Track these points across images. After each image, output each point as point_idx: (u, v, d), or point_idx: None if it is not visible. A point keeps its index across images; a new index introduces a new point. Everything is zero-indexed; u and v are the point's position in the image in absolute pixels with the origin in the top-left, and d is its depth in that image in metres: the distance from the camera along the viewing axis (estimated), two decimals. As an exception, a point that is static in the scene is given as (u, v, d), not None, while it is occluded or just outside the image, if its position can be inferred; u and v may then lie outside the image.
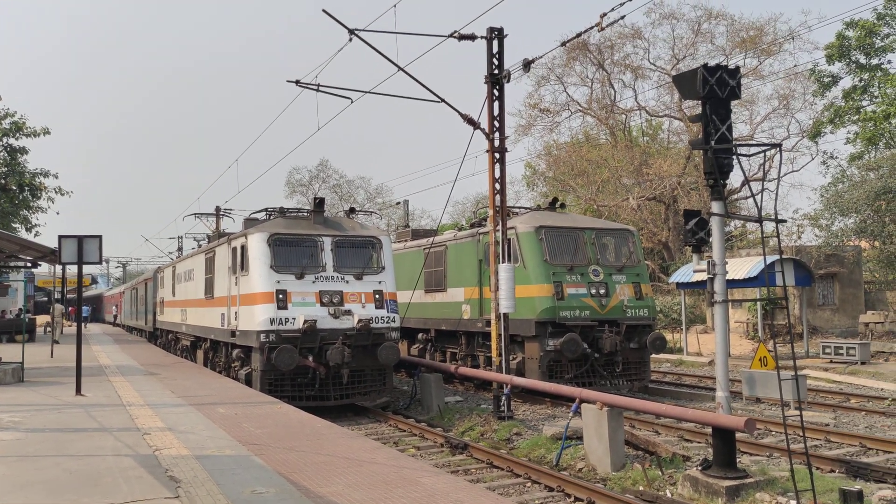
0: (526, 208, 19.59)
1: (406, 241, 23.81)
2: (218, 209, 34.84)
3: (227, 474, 7.00)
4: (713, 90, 9.46)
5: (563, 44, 15.14)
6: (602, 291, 16.61)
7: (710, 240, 9.80)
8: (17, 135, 35.12)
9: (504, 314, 14.92)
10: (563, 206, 19.28)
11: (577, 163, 41.91)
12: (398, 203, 53.63)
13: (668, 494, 9.45)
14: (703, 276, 9.61)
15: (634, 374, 16.94)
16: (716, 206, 9.64)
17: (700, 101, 9.65)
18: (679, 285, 27.19)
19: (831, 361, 22.43)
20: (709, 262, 9.49)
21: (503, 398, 14.54)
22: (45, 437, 9.07)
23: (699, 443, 12.58)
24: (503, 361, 14.93)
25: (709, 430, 12.77)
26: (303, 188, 63.84)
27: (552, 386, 13.29)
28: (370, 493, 6.24)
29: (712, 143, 9.46)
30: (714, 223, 9.61)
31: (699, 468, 9.46)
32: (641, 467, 10.38)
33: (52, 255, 17.46)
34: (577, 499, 9.34)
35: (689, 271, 26.28)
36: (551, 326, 16.11)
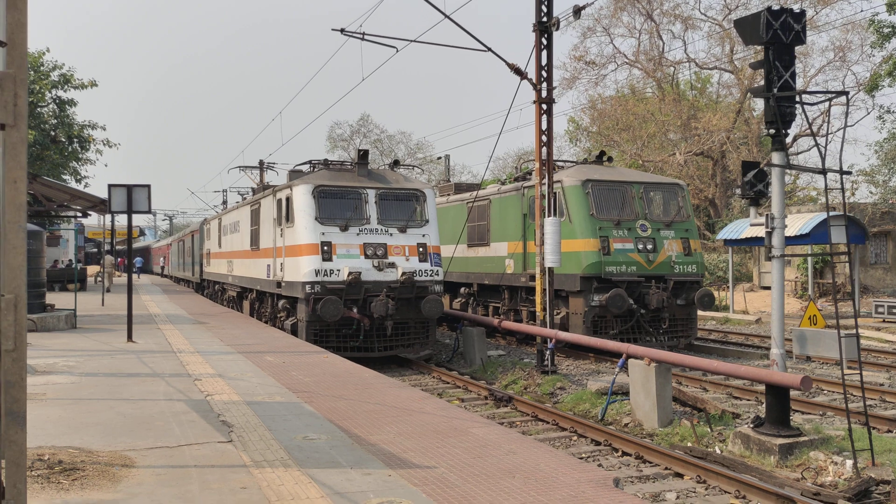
0: (572, 162, 19.24)
1: (448, 195, 23.65)
2: (261, 162, 34.98)
3: (278, 420, 7.05)
4: (777, 35, 9.03)
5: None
6: (649, 247, 16.30)
7: (770, 192, 9.46)
8: (66, 87, 35.56)
9: (549, 269, 14.75)
10: (610, 159, 18.87)
11: (623, 117, 40.99)
12: (439, 158, 53.36)
13: (718, 451, 9.31)
14: (760, 231, 9.30)
15: (681, 331, 16.70)
16: (776, 157, 9.27)
17: (763, 47, 9.24)
18: (727, 242, 26.62)
19: (884, 321, 21.85)
20: (767, 215, 9.17)
21: (547, 353, 14.47)
22: (98, 382, 9.25)
23: (748, 400, 12.37)
24: (547, 316, 14.81)
25: (758, 387, 12.57)
26: (344, 143, 63.90)
27: (598, 341, 13.15)
28: (421, 442, 6.21)
29: (775, 90, 9.07)
30: (774, 175, 9.26)
31: (751, 426, 9.29)
32: (690, 423, 10.23)
33: (102, 205, 17.72)
34: (624, 453, 9.25)
35: (737, 228, 25.71)
36: (597, 282, 15.91)
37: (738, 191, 9.59)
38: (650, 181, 17.50)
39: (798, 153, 39.82)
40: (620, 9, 40.70)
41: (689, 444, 9.71)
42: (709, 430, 10.25)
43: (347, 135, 64.04)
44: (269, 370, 10.32)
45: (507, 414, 11.65)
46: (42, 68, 34.10)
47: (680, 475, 8.42)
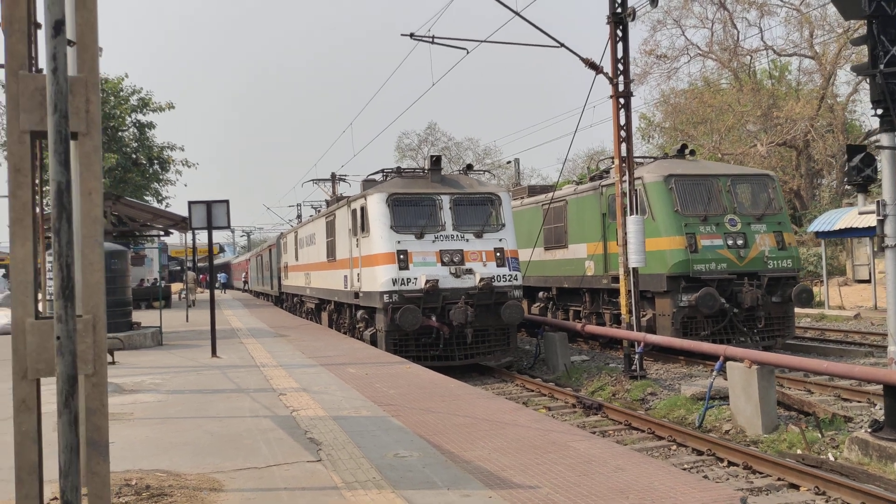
0: (652, 157, 18.53)
1: (522, 198, 23.21)
2: (333, 175, 35.28)
3: (366, 436, 6.78)
4: (881, 7, 8.35)
5: None
6: (740, 242, 15.48)
7: (879, 177, 8.74)
8: (145, 111, 36.73)
9: (633, 269, 14.16)
10: (693, 153, 18.07)
11: (699, 110, 39.63)
12: (508, 162, 52.91)
13: (832, 458, 8.60)
14: (864, 221, 8.59)
15: (777, 331, 15.79)
16: (885, 139, 8.55)
17: (865, 22, 8.55)
18: (818, 234, 25.27)
19: None
20: (879, 202, 8.44)
21: (635, 357, 13.86)
22: (184, 399, 9.21)
23: (859, 402, 11.50)
24: (634, 318, 14.20)
25: (869, 388, 11.69)
26: (412, 152, 64.19)
27: (692, 343, 12.48)
28: (519, 459, 5.83)
29: (881, 66, 8.36)
30: (885, 158, 8.52)
31: (869, 430, 8.55)
32: (799, 429, 9.52)
33: (183, 223, 18.03)
34: (730, 462, 8.64)
35: (830, 219, 24.38)
36: (684, 281, 15.18)
37: (834, 179, 8.89)
38: (737, 173, 16.66)
39: None
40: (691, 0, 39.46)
41: (800, 452, 9.02)
42: (819, 435, 9.54)
43: (415, 144, 64.37)
44: (353, 383, 10.11)
45: (598, 422, 11.13)
46: (122, 93, 35.28)
47: (795, 486, 7.78)
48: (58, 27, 2.53)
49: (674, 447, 9.53)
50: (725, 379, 11.50)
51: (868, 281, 27.17)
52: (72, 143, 3.18)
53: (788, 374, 13.41)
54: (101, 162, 3.10)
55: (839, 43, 35.87)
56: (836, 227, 23.39)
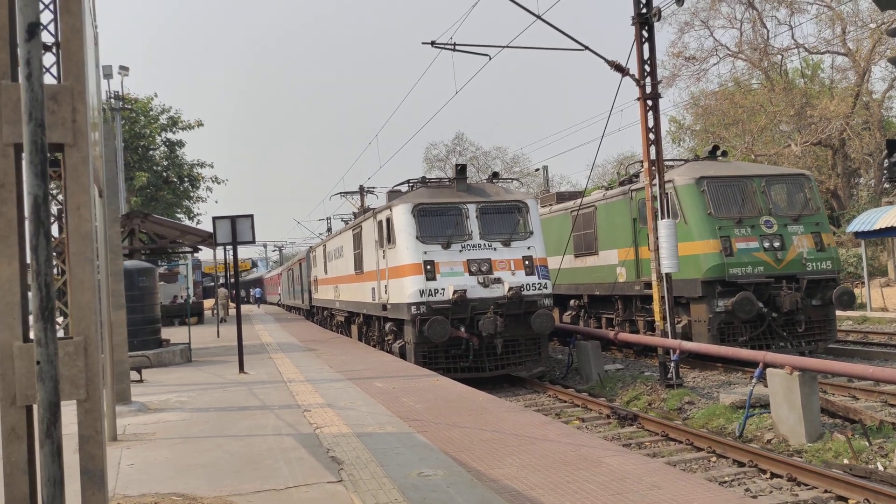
0: (683, 160, 18.11)
1: (551, 205, 22.88)
2: (361, 187, 35.29)
3: (390, 454, 6.55)
4: (920, -6, 7.94)
5: None
6: (777, 244, 15.00)
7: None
8: (174, 129, 37.15)
9: (666, 274, 13.78)
10: (724, 154, 17.62)
11: (730, 111, 38.93)
12: (537, 170, 52.54)
13: (881, 468, 8.17)
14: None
15: (818, 335, 15.25)
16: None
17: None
18: (858, 234, 24.54)
19: None
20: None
21: (671, 365, 13.46)
22: (208, 417, 9.07)
23: (908, 408, 11.00)
24: (668, 325, 13.81)
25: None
26: (440, 163, 64.12)
27: (730, 350, 12.05)
28: (549, 476, 5.55)
29: (922, 56, 7.98)
30: (929, 152, 8.11)
31: (921, 439, 8.11)
32: (845, 437, 9.09)
33: (210, 239, 18.03)
34: (773, 474, 8.25)
35: (870, 218, 23.66)
36: (720, 285, 14.74)
37: (873, 175, 8.48)
38: (772, 173, 16.18)
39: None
40: (719, 0, 38.87)
41: (847, 462, 8.60)
42: (867, 443, 9.09)
43: (443, 154, 64.30)
44: (379, 397, 9.90)
45: (634, 434, 10.77)
46: (151, 113, 35.72)
47: (843, 499, 7.38)
48: (31, 30, 2.36)
49: (713, 459, 9.16)
50: (766, 386, 11.09)
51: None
52: (59, 155, 3.02)
53: (832, 379, 12.90)
54: (89, 174, 2.93)
55: (873, 38, 35.03)
56: (877, 227, 22.70)
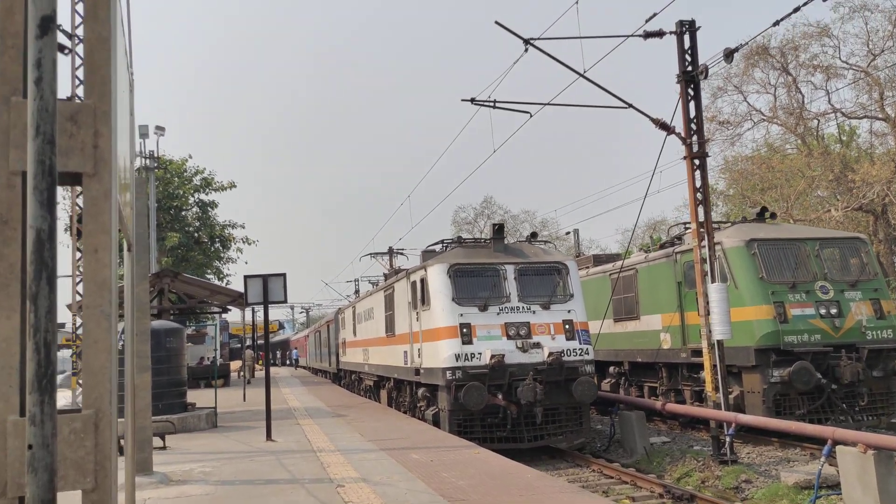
0: (730, 222, 17.46)
1: (588, 267, 22.24)
2: (391, 249, 34.97)
3: (435, 540, 5.85)
4: None
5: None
6: (834, 311, 14.17)
7: None
8: (207, 190, 37.36)
9: (718, 342, 13.01)
10: (773, 215, 16.97)
11: (766, 175, 38.31)
12: (568, 233, 52.01)
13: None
14: None
15: (882, 408, 14.25)
16: None
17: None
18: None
19: None
20: None
21: (725, 439, 12.56)
22: (233, 492, 8.41)
23: None
24: (721, 396, 12.96)
25: None
26: (468, 226, 63.90)
27: (793, 424, 11.18)
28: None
29: None
30: None
31: None
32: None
33: (240, 298, 17.61)
34: (860, 570, 7.35)
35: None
36: (774, 354, 13.88)
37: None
38: (826, 236, 15.45)
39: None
40: (752, 65, 38.67)
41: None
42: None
43: (472, 217, 64.12)
44: (417, 471, 9.17)
45: (692, 516, 9.89)
46: (185, 174, 36.00)
47: None
48: (45, 25, 1.88)
49: (786, 548, 8.27)
50: (832, 465, 10.21)
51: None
52: (78, 188, 2.52)
53: (903, 458, 11.91)
54: (111, 211, 2.43)
55: (911, 104, 34.44)
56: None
